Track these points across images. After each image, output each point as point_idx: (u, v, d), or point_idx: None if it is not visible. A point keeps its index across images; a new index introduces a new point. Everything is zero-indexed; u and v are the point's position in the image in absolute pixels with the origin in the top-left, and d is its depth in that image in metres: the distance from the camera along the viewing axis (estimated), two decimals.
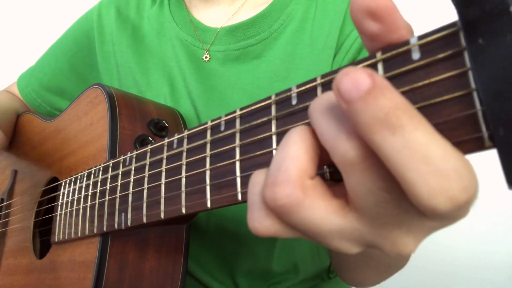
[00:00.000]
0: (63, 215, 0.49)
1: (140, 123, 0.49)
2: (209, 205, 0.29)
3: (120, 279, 0.42)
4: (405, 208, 0.18)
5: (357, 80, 0.16)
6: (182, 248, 0.47)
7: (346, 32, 0.56)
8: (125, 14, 0.68)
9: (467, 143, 0.18)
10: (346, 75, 0.17)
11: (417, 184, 0.16)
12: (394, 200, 0.18)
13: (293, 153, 0.20)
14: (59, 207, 0.50)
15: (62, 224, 0.49)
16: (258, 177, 0.22)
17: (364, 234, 0.19)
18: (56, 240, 0.50)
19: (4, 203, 0.66)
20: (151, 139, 0.48)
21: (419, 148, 0.16)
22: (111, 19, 0.67)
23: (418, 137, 0.16)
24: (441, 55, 0.19)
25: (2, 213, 0.66)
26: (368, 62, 0.22)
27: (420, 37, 0.20)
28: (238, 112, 0.29)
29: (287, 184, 0.19)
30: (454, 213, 0.16)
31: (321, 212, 0.19)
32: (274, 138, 0.26)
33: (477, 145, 0.17)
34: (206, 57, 0.60)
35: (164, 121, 0.50)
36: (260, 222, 0.21)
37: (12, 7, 1.39)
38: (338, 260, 0.54)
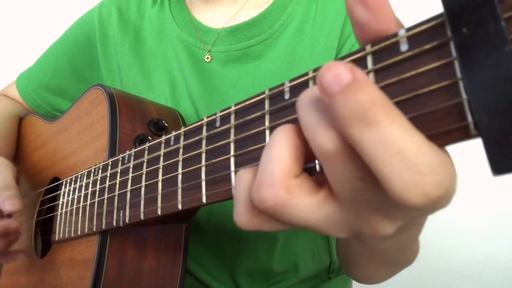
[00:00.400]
0: (63, 214, 0.50)
1: (140, 123, 0.49)
2: (204, 200, 0.30)
3: (119, 277, 0.42)
4: (381, 196, 0.18)
5: (338, 74, 0.17)
6: (182, 247, 0.47)
7: (347, 32, 0.56)
8: (127, 15, 0.68)
9: (453, 132, 0.18)
10: (328, 69, 0.17)
11: (391, 178, 0.16)
12: (370, 188, 0.18)
13: (276, 154, 0.20)
14: (60, 206, 0.51)
15: (62, 223, 0.49)
16: (244, 176, 0.22)
17: (347, 220, 0.20)
18: (56, 239, 0.50)
19: None
20: (150, 139, 0.48)
21: (394, 143, 0.16)
22: (113, 20, 0.68)
23: (393, 132, 0.16)
24: (428, 46, 0.19)
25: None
26: (358, 55, 0.22)
27: (408, 29, 0.20)
28: (233, 108, 0.29)
29: (272, 186, 0.20)
30: (427, 207, 0.17)
31: (307, 208, 0.20)
32: (267, 132, 0.26)
33: (463, 134, 0.17)
34: (207, 58, 0.60)
35: (163, 121, 0.51)
36: (246, 219, 0.22)
37: (11, 6, 1.40)
38: (344, 255, 0.54)
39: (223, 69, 0.59)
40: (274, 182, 0.20)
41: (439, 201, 0.17)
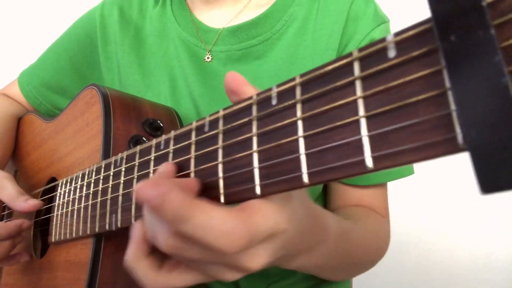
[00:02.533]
0: (59, 216, 0.49)
1: (135, 123, 0.49)
2: None
3: (114, 280, 0.42)
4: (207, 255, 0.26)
5: (147, 195, 0.23)
6: None
7: (349, 33, 0.55)
8: (128, 14, 0.68)
9: (441, 144, 0.17)
10: (138, 192, 0.23)
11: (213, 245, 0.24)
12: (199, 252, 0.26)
13: (131, 239, 0.30)
14: (56, 207, 0.51)
15: (58, 225, 0.49)
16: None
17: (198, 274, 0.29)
18: (53, 240, 0.50)
19: (6, 210, 0.67)
20: (145, 140, 0.47)
21: (204, 224, 0.23)
22: (114, 19, 0.67)
23: (201, 217, 0.23)
24: (416, 53, 0.18)
25: (4, 213, 0.66)
26: (345, 61, 0.21)
27: (397, 34, 0.19)
28: (221, 113, 0.29)
29: (126, 263, 0.30)
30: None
31: (158, 278, 0.29)
32: (254, 139, 0.25)
33: (452, 147, 0.16)
34: (208, 58, 0.60)
35: (159, 121, 0.50)
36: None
37: (12, 4, 1.39)
38: None
39: (224, 69, 0.59)
40: (127, 262, 0.30)
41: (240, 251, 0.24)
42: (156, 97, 0.60)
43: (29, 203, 0.50)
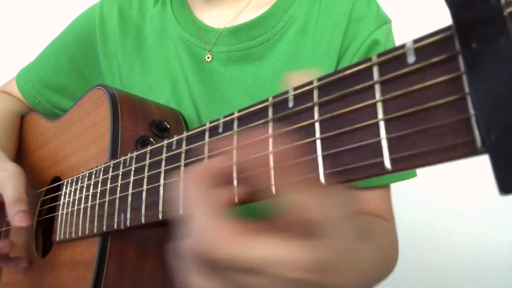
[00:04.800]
0: (64, 215, 0.49)
1: (142, 124, 0.49)
2: None
3: (120, 279, 0.42)
4: None
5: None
6: None
7: (350, 34, 0.56)
8: (128, 14, 0.67)
9: (460, 147, 0.18)
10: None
11: None
12: None
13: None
14: (61, 206, 0.51)
15: (63, 224, 0.49)
16: None
17: None
18: (57, 239, 0.50)
19: None
20: (152, 140, 0.48)
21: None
22: (114, 19, 0.67)
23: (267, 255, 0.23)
24: (435, 59, 0.19)
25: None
26: (364, 66, 0.22)
27: (416, 41, 0.20)
28: (236, 114, 0.29)
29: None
30: None
31: None
32: (270, 140, 0.26)
33: (470, 150, 0.17)
34: (208, 58, 0.60)
35: (166, 122, 0.51)
36: None
37: (11, 3, 1.39)
38: None
39: (224, 69, 0.59)
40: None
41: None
42: (157, 98, 0.60)
43: (17, 218, 0.48)
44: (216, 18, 0.62)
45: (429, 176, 1.07)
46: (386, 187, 0.58)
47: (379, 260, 0.44)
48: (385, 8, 0.59)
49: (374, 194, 0.57)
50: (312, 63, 0.56)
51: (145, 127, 0.49)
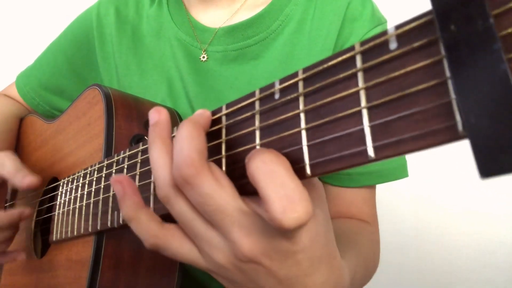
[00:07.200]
0: (60, 214, 0.49)
1: (137, 122, 0.49)
2: None
3: (115, 278, 0.42)
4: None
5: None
6: None
7: (345, 34, 0.56)
8: (124, 14, 0.68)
9: (442, 132, 0.17)
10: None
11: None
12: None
13: (124, 198, 0.30)
14: (57, 206, 0.51)
15: (59, 223, 0.49)
16: None
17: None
18: (54, 239, 0.50)
19: (7, 204, 0.67)
20: (146, 139, 0.48)
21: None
22: (111, 19, 0.67)
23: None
24: (416, 44, 0.18)
25: (7, 204, 0.66)
26: (347, 55, 0.21)
27: (398, 27, 0.19)
28: (224, 109, 0.29)
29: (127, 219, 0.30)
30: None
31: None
32: (257, 133, 0.26)
33: (451, 135, 0.17)
34: (203, 57, 0.60)
35: None
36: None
37: (10, 4, 1.40)
38: None
39: (220, 68, 0.59)
40: (126, 213, 0.29)
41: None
42: (154, 98, 0.60)
43: (27, 180, 0.50)
44: (212, 18, 0.62)
45: (429, 176, 1.07)
46: (372, 188, 0.58)
47: (359, 267, 0.43)
48: (381, 8, 0.59)
49: (359, 195, 0.56)
50: (307, 62, 0.55)
51: (139, 125, 0.49)
